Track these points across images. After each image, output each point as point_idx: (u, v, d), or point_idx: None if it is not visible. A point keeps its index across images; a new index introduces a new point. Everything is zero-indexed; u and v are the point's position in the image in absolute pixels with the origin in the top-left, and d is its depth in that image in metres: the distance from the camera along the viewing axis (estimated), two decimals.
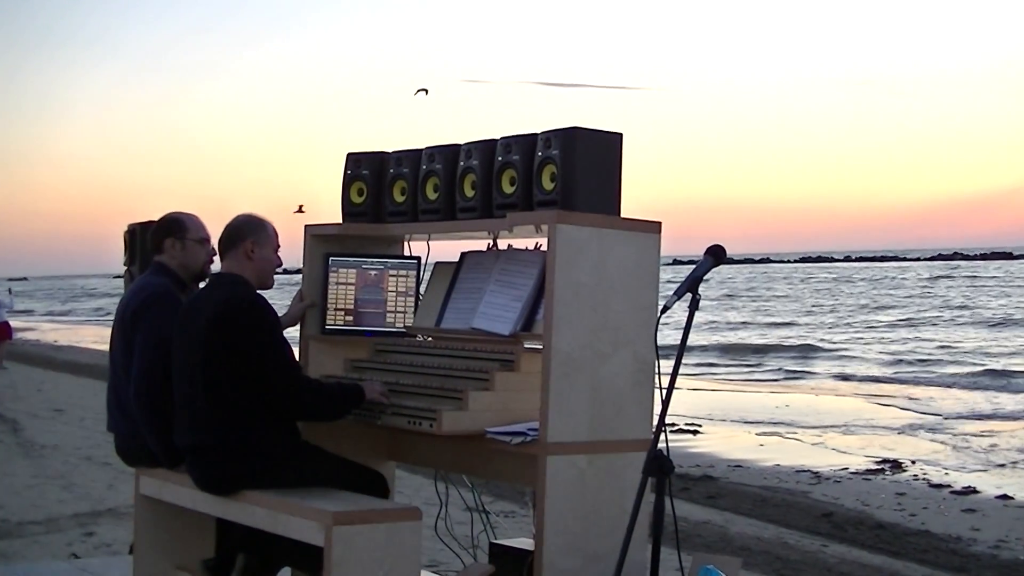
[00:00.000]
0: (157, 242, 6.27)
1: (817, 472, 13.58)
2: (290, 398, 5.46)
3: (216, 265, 6.10)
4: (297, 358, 5.78)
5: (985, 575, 9.41)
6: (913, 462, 14.43)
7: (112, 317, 6.33)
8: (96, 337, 42.79)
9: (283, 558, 5.83)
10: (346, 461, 5.75)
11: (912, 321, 46.81)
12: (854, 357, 33.07)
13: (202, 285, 6.10)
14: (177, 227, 6.24)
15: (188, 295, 6.10)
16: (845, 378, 27.78)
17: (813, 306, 58.17)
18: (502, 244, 6.11)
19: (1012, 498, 12.39)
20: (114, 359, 6.18)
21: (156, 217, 6.64)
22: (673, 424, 16.98)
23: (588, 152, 5.43)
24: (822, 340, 39.68)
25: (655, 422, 4.77)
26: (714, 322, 48.40)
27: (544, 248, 5.58)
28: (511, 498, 10.69)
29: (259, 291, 5.72)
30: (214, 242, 6.16)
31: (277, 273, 5.91)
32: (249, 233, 5.73)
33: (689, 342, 4.58)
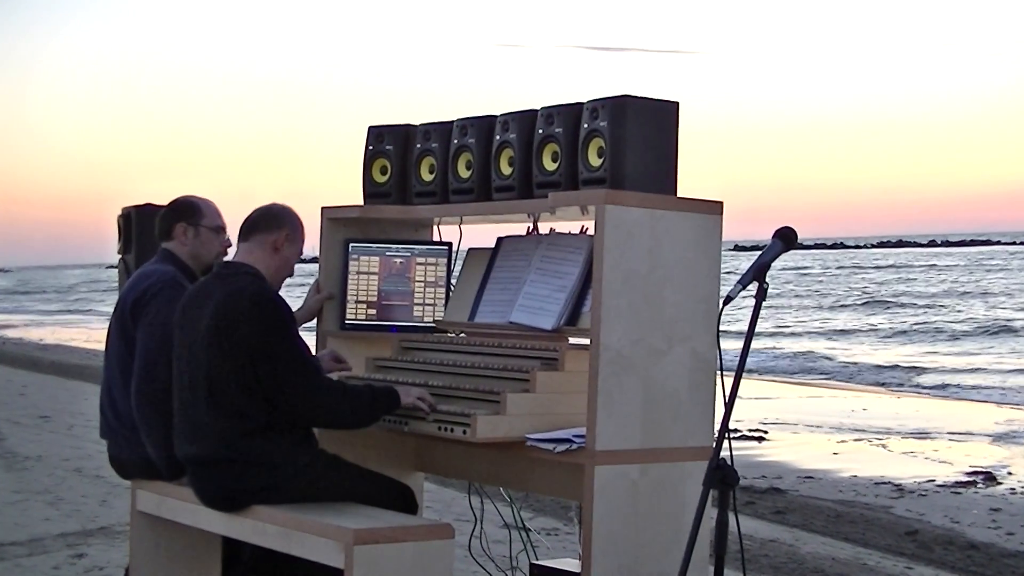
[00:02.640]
0: (167, 227, 6.30)
1: (899, 484, 13.53)
2: (308, 402, 5.48)
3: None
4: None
5: None
6: (1009, 473, 14.37)
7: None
8: (86, 336, 42.99)
9: None
10: (368, 472, 5.78)
11: (1010, 314, 46.50)
12: (938, 355, 32.91)
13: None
14: (191, 212, 6.28)
15: None
16: (929, 378, 27.64)
17: (892, 297, 57.91)
18: (543, 228, 6.12)
19: None
20: (110, 356, 6.22)
21: (153, 200, 6.66)
22: (735, 430, 16.95)
23: (640, 124, 5.44)
24: (901, 336, 39.50)
25: (717, 427, 4.78)
26: (780, 315, 48.27)
27: (591, 232, 5.59)
28: (554, 513, 10.70)
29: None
30: (231, 232, 6.19)
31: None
32: (287, 225, 5.76)
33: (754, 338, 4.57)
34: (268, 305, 5.53)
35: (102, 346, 6.43)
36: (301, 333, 5.68)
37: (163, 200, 6.56)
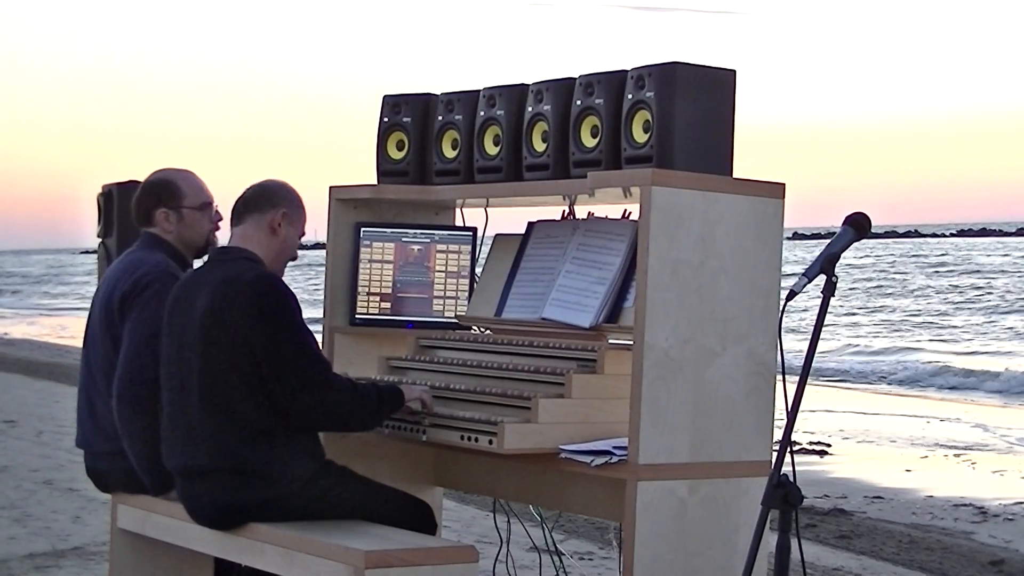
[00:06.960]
0: (145, 212, 6.25)
1: (982, 507, 13.50)
2: (316, 402, 5.50)
3: (222, 235, 6.14)
4: None
5: None
6: None
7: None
8: (57, 331, 43.08)
9: None
10: (382, 487, 5.81)
11: None
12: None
13: (199, 263, 6.12)
14: (169, 193, 6.22)
15: None
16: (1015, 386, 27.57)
17: (974, 295, 57.75)
18: (581, 212, 6.14)
19: None
20: (91, 356, 6.22)
21: (138, 176, 6.65)
22: (795, 442, 16.91)
23: (692, 95, 5.46)
24: (983, 339, 39.41)
25: (777, 439, 4.79)
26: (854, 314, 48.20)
27: (635, 217, 5.61)
28: (589, 535, 10.72)
29: None
30: (224, 208, 6.19)
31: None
32: (284, 202, 5.78)
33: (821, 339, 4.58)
34: (269, 290, 5.55)
35: (77, 342, 6.43)
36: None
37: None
